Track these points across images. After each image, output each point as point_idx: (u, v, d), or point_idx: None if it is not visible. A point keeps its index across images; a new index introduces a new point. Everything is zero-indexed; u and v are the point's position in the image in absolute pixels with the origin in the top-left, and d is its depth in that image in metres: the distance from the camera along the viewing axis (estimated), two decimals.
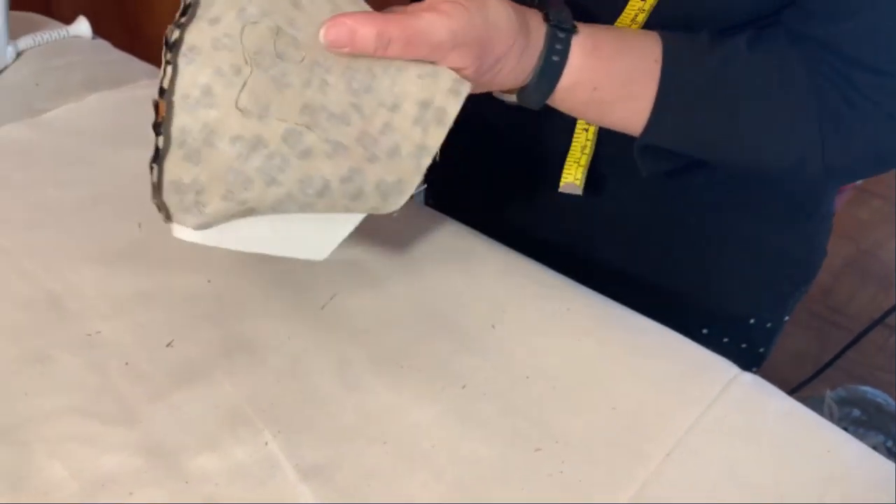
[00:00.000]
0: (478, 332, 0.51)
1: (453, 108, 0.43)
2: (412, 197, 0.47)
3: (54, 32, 0.83)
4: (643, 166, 0.54)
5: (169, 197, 0.42)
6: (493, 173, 0.70)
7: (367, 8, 0.45)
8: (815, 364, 1.38)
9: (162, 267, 0.55)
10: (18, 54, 0.80)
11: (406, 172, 0.44)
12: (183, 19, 0.40)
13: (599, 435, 0.46)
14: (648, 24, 0.51)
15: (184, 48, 0.40)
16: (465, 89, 0.44)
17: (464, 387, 0.47)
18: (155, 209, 0.51)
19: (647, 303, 0.56)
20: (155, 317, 0.51)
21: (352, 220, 0.47)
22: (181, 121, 0.40)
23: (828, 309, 1.74)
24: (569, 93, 0.48)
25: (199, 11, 0.40)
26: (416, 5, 0.44)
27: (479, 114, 0.64)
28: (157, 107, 0.40)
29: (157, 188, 0.42)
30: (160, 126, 0.40)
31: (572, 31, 0.47)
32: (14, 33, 0.79)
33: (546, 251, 0.61)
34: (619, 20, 0.51)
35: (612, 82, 0.49)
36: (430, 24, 0.41)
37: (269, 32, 0.41)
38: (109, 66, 0.79)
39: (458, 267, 0.55)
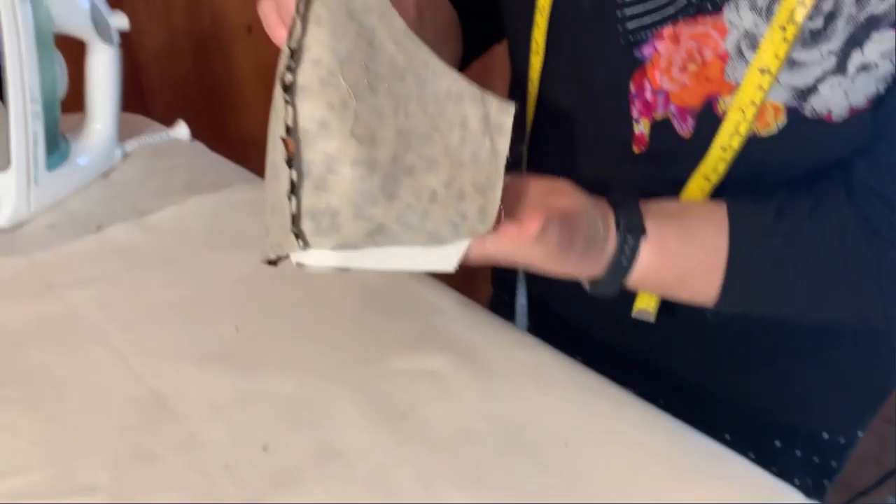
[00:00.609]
0: (552, 450, 0.53)
1: (508, 121, 0.51)
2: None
3: (157, 136, 0.90)
4: (712, 317, 0.57)
5: (306, 224, 0.45)
6: (579, 292, 0.73)
7: (418, 41, 0.49)
8: (879, 466, 1.35)
9: (256, 369, 0.59)
10: (125, 155, 0.87)
11: (491, 172, 0.50)
12: (292, 63, 0.44)
13: None
14: (728, 174, 0.55)
15: (297, 89, 0.44)
16: (511, 107, 0.51)
17: None
18: (248, 314, 0.55)
19: (719, 414, 0.59)
20: (251, 419, 0.55)
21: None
22: (306, 155, 0.44)
23: (893, 411, 1.71)
24: (637, 283, 0.53)
25: (303, 55, 0.44)
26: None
27: None
28: (285, 143, 0.44)
29: (297, 217, 0.44)
30: (292, 160, 0.44)
31: (641, 234, 0.52)
32: (121, 134, 0.86)
33: (619, 363, 0.64)
34: (699, 169, 0.55)
35: (677, 275, 0.53)
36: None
37: (360, 69, 0.45)
38: (207, 168, 0.86)
39: (533, 382, 0.58)
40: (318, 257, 0.46)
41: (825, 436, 0.72)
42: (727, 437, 0.62)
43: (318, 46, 0.44)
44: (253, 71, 1.28)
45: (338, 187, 0.44)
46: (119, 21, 0.79)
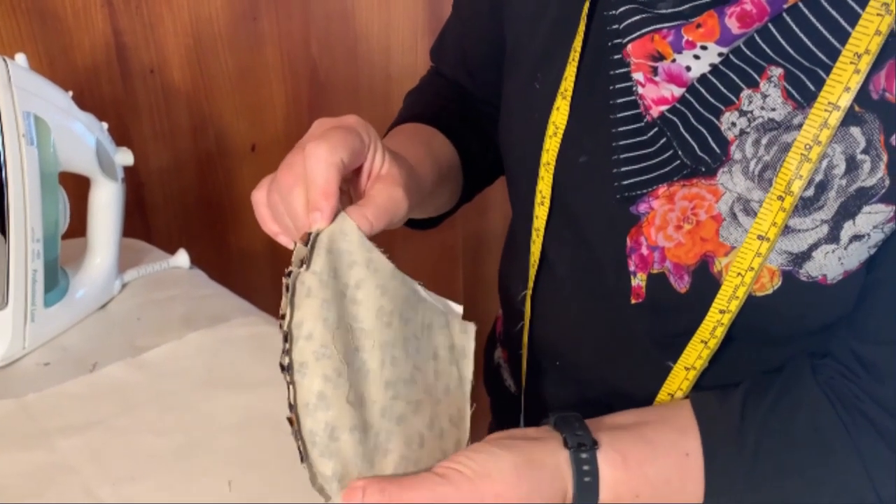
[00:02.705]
0: None
1: (469, 344, 0.54)
2: None
3: (156, 265, 0.90)
4: None
5: (324, 485, 0.48)
6: None
7: (402, 277, 0.51)
8: None
9: None
10: (124, 285, 0.87)
11: (460, 401, 0.54)
12: (287, 345, 0.47)
13: None
14: (727, 336, 0.55)
15: (295, 366, 0.47)
16: (472, 327, 0.54)
17: None
18: (242, 467, 0.59)
19: None
20: None
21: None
22: (308, 425, 0.47)
23: None
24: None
25: (295, 332, 0.47)
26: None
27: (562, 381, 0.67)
28: (290, 420, 0.47)
29: (314, 480, 0.48)
30: (297, 433, 0.48)
31: (594, 447, 0.50)
32: (121, 262, 0.86)
33: None
34: (698, 332, 0.55)
35: (651, 486, 0.52)
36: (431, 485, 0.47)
37: (346, 333, 0.48)
38: (206, 300, 0.85)
39: None
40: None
41: None
42: None
43: (310, 320, 0.47)
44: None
45: (340, 452, 0.48)
46: (124, 157, 0.80)
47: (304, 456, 0.48)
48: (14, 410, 0.69)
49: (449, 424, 0.53)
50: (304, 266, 0.48)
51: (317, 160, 0.47)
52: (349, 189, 0.54)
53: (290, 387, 0.47)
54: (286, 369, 0.47)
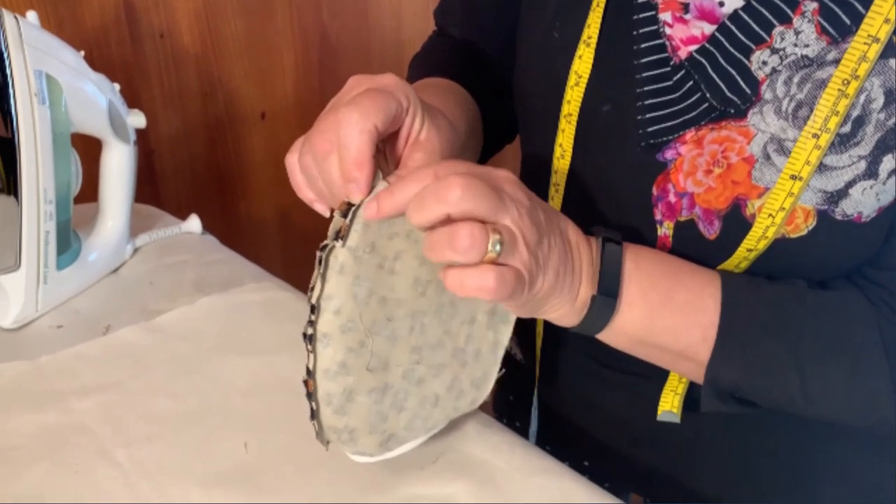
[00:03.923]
0: None
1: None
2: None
3: (168, 230, 0.90)
4: (706, 402, 0.55)
5: (330, 436, 0.52)
6: (593, 399, 0.72)
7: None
8: None
9: (265, 494, 0.57)
10: (135, 250, 0.86)
11: (488, 366, 0.56)
12: (313, 317, 0.47)
13: None
14: (757, 275, 0.54)
15: (319, 336, 0.48)
16: None
17: None
18: (258, 429, 0.60)
19: None
20: None
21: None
22: (326, 388, 0.49)
23: None
24: (628, 308, 0.52)
25: (324, 305, 0.47)
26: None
27: (578, 345, 0.67)
28: (306, 383, 0.49)
29: (320, 433, 0.52)
30: (311, 395, 0.50)
31: (621, 244, 0.53)
32: (132, 227, 0.85)
33: (647, 476, 0.61)
34: (719, 267, 0.55)
35: (664, 288, 0.53)
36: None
37: (378, 305, 0.49)
38: (217, 265, 0.85)
39: None
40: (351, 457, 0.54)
41: None
42: None
43: (341, 296, 0.47)
44: (266, 157, 1.28)
45: (355, 412, 0.50)
46: (136, 120, 0.79)
47: (314, 414, 0.49)
48: (27, 372, 0.68)
49: (470, 386, 0.54)
50: (341, 241, 0.46)
51: (349, 126, 0.45)
52: (385, 149, 0.53)
53: (311, 355, 0.47)
54: (308, 339, 0.47)
